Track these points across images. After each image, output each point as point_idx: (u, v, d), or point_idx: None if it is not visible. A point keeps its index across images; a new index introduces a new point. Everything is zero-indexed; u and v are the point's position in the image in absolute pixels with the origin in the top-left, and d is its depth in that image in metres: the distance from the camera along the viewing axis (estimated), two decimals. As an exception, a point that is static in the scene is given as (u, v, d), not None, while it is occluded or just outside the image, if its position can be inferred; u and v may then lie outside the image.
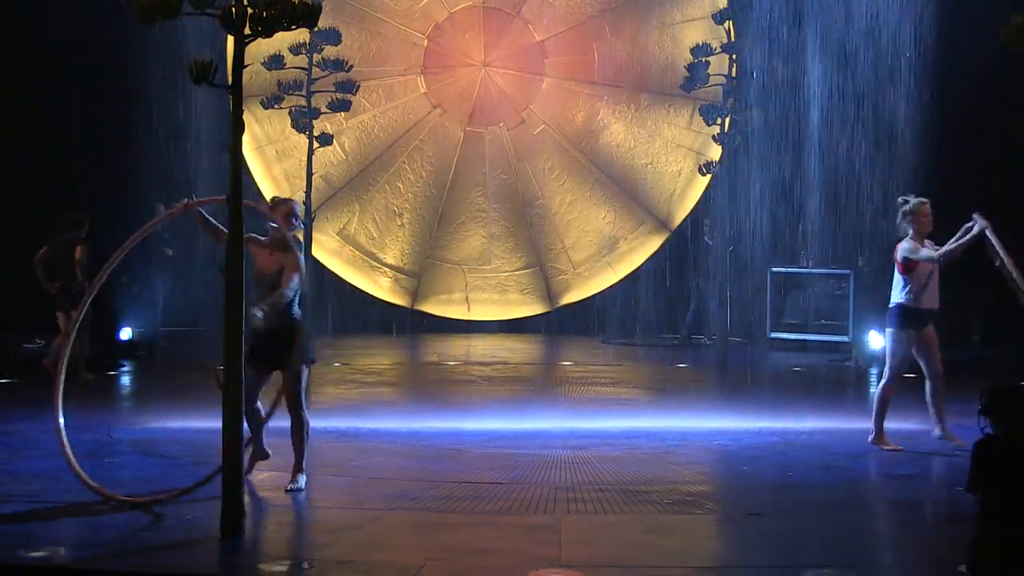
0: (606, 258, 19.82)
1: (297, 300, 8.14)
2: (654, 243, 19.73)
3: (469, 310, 19.89)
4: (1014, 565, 5.20)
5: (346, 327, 18.91)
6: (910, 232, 9.72)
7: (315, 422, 10.97)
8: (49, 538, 6.68)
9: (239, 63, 6.77)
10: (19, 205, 16.83)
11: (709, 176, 17.96)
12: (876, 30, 16.67)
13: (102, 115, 16.89)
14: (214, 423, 6.91)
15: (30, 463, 8.91)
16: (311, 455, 9.55)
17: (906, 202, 9.82)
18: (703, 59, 16.97)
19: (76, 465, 7.75)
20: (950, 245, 9.55)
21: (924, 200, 9.79)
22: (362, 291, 19.69)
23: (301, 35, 16.27)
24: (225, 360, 6.73)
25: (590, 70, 19.67)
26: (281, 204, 8.35)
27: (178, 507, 7.58)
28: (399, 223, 19.85)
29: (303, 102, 17.27)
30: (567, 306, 19.89)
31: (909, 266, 9.69)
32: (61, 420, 7.81)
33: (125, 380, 14.62)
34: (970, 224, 9.42)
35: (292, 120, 17.45)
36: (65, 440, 7.74)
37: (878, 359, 15.71)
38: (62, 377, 7.89)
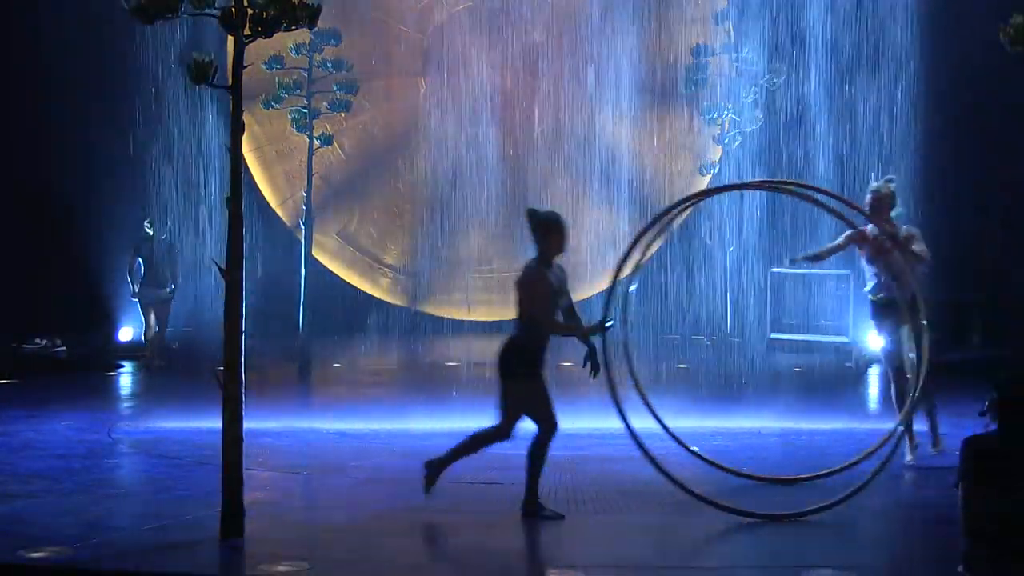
0: (606, 258, 19.82)
1: None
2: (654, 243, 19.69)
3: (469, 310, 19.89)
4: (1010, 565, 5.21)
5: (346, 327, 18.91)
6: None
7: (316, 422, 11.05)
8: (49, 538, 6.67)
9: (239, 63, 6.77)
10: (18, 207, 16.83)
11: (709, 176, 17.97)
12: (875, 29, 16.68)
13: (104, 115, 16.90)
14: (214, 423, 6.92)
15: (30, 463, 8.92)
16: (312, 455, 9.57)
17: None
18: (703, 59, 16.98)
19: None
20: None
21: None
22: (362, 291, 19.70)
23: (302, 35, 16.28)
24: (225, 360, 6.72)
25: (590, 70, 19.67)
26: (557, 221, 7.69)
27: (178, 507, 7.59)
28: (399, 223, 19.85)
29: (303, 102, 17.28)
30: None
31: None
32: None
33: (125, 380, 14.62)
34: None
35: (292, 120, 17.46)
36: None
37: (877, 359, 15.75)
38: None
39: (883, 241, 8.87)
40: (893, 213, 9.15)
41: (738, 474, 8.44)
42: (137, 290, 14.99)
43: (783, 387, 13.95)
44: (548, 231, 7.57)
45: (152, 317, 15.06)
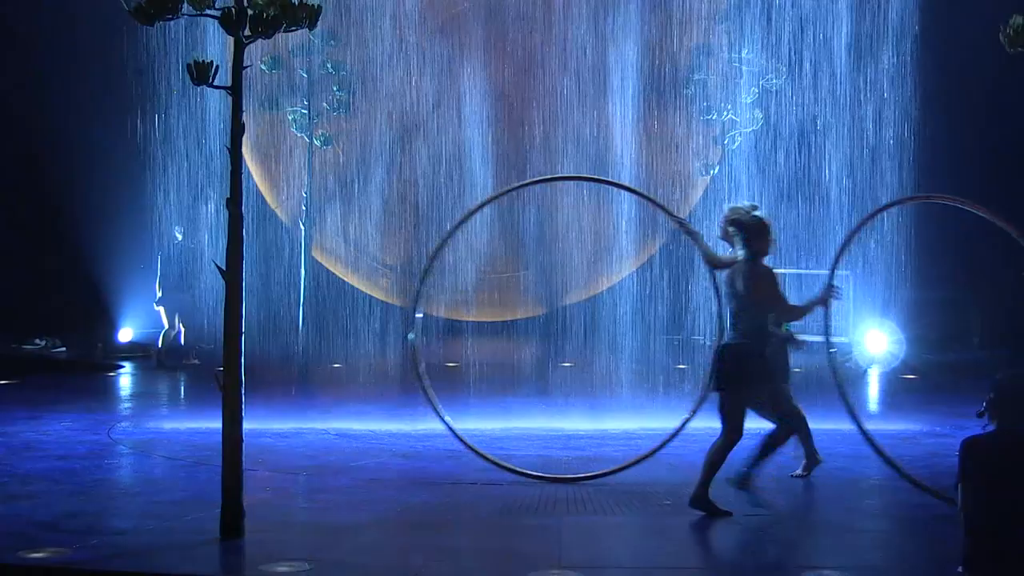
0: (606, 259, 19.83)
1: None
2: (654, 244, 19.74)
3: (469, 311, 19.89)
4: (1010, 565, 5.21)
5: (346, 328, 18.92)
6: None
7: (316, 423, 11.06)
8: (49, 538, 6.68)
9: (239, 64, 6.77)
10: (18, 208, 16.85)
11: (708, 177, 17.99)
12: (874, 31, 16.70)
13: (105, 114, 16.90)
14: (214, 423, 6.92)
15: (30, 463, 8.92)
16: (312, 455, 9.57)
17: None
18: (703, 59, 16.99)
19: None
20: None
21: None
22: (362, 292, 19.70)
23: (302, 36, 16.29)
24: (225, 361, 6.73)
25: (591, 71, 19.68)
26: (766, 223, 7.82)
27: (178, 507, 7.60)
28: (399, 223, 19.86)
29: (304, 103, 17.29)
30: (567, 307, 19.89)
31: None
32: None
33: (125, 380, 14.63)
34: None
35: (292, 121, 17.47)
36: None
37: (877, 360, 15.76)
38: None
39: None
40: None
41: (512, 470, 8.56)
42: (161, 296, 15.11)
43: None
44: (759, 233, 7.76)
45: (177, 320, 15.21)
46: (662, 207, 9.08)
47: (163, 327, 15.23)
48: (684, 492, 8.27)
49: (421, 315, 9.33)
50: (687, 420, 8.59)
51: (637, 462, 8.66)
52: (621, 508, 7.79)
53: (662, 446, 8.69)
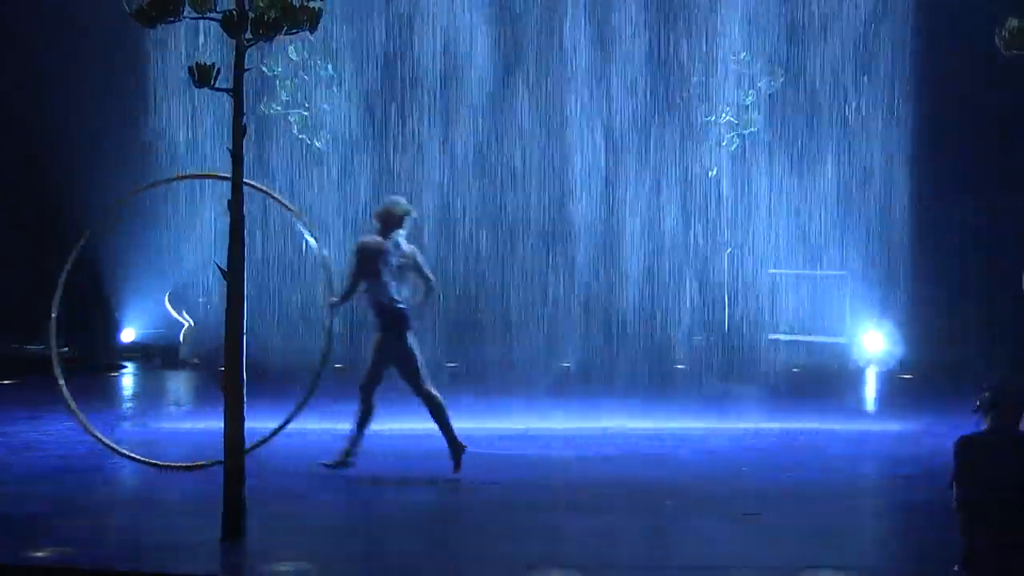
0: (605, 259, 19.79)
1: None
2: (652, 244, 19.69)
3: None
4: (1006, 563, 5.24)
5: (345, 328, 18.88)
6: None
7: (317, 423, 11.07)
8: (49, 538, 6.70)
9: (240, 67, 6.78)
10: (19, 207, 16.84)
11: (708, 178, 18.01)
12: (873, 33, 16.71)
13: (108, 113, 16.88)
14: (215, 423, 6.94)
15: (31, 463, 8.95)
16: (312, 455, 9.59)
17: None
18: (705, 64, 17.03)
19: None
20: None
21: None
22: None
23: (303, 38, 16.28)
24: (225, 361, 6.75)
25: (589, 73, 19.64)
26: None
27: (178, 507, 7.62)
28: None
29: (305, 104, 17.29)
30: (566, 307, 19.85)
31: None
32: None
33: (127, 381, 14.65)
34: None
35: (294, 122, 17.48)
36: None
37: (875, 360, 15.79)
38: None
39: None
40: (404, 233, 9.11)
41: (138, 460, 8.61)
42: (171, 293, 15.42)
43: (782, 387, 13.98)
44: None
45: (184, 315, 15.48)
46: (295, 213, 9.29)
47: (180, 324, 15.38)
48: (684, 492, 8.31)
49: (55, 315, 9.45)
50: (289, 419, 8.73)
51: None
52: (622, 508, 7.81)
53: (266, 440, 8.61)
